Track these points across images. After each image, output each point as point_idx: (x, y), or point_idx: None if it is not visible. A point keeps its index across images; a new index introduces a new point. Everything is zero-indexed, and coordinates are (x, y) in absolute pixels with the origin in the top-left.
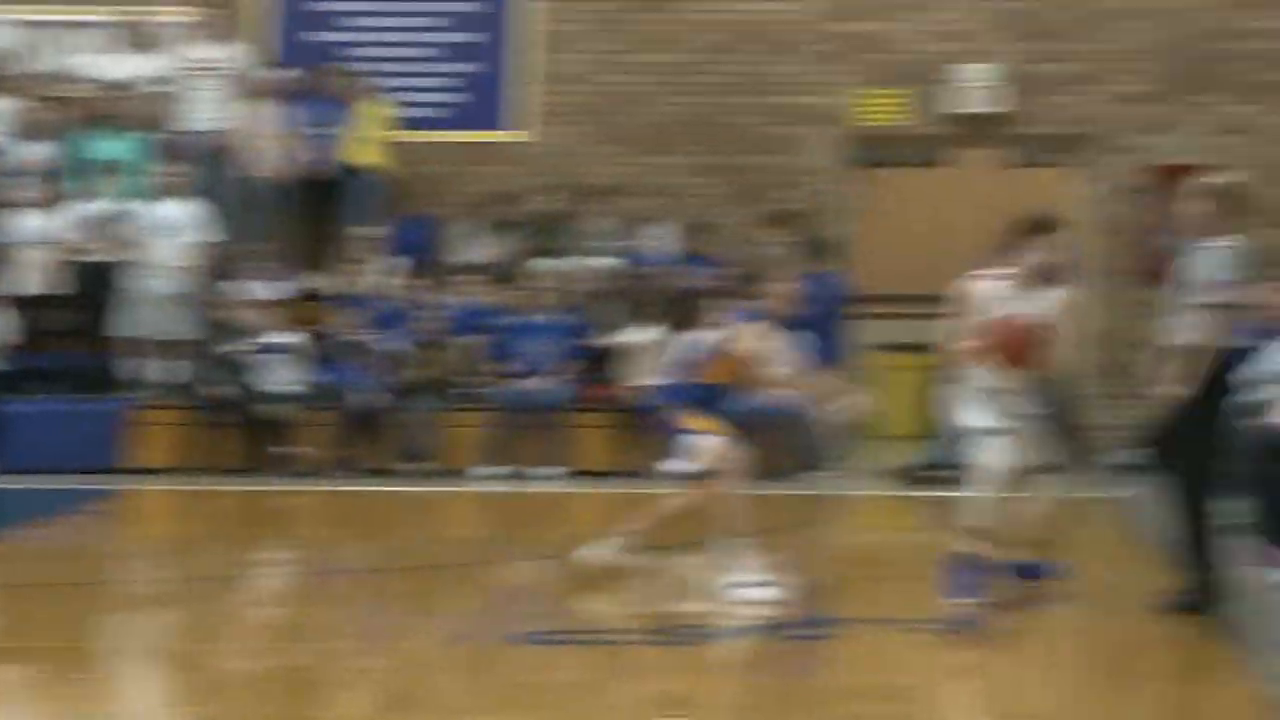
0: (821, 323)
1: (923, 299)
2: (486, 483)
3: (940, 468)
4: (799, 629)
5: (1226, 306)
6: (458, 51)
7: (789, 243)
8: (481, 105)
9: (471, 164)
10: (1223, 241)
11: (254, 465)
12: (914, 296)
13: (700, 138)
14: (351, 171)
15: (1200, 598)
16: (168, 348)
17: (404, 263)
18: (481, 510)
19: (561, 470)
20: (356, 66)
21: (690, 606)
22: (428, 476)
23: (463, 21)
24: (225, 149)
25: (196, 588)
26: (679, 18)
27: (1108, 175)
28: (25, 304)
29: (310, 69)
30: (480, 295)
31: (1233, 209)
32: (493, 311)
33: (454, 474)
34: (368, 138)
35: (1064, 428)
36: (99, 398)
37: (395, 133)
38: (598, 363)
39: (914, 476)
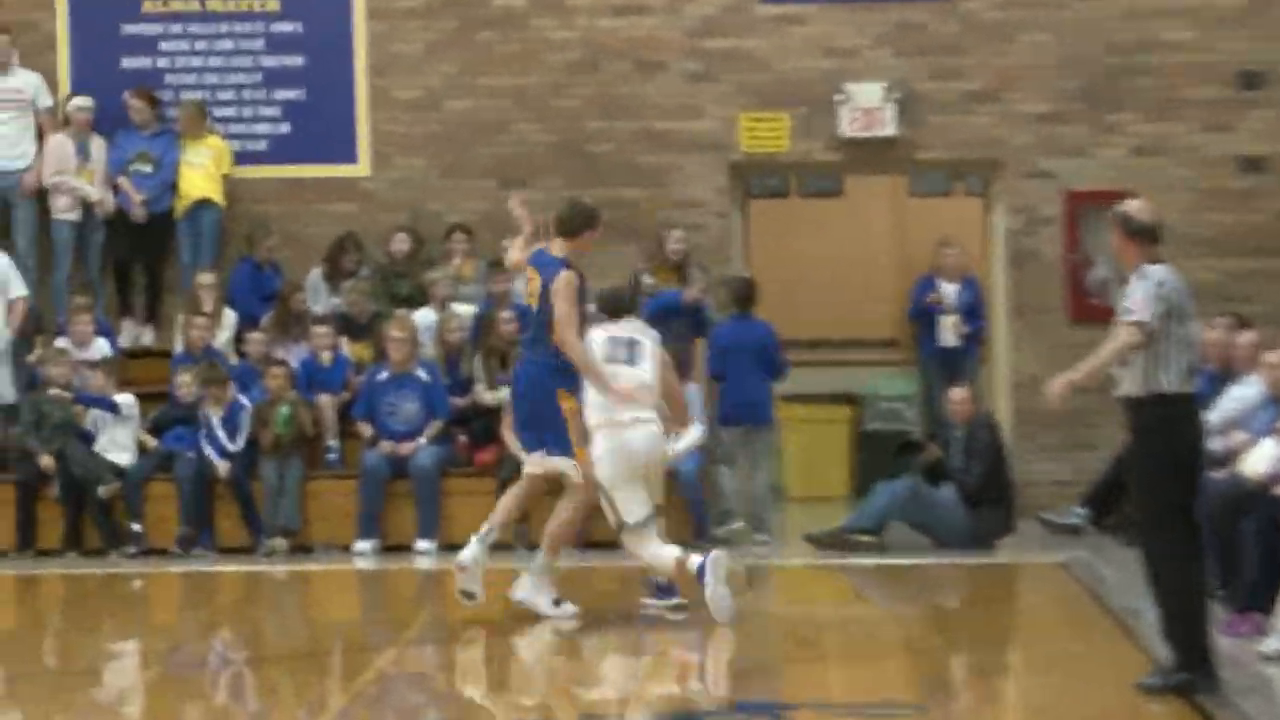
0: (748, 373)
1: (827, 344)
2: (356, 558)
3: (864, 532)
4: (735, 715)
5: (1177, 347)
6: (283, 77)
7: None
8: (310, 136)
9: (306, 202)
10: (1146, 274)
11: (79, 544)
12: (817, 341)
13: (563, 167)
14: (178, 211)
15: (1188, 675)
16: None
17: (239, 313)
18: (352, 589)
19: (435, 544)
20: (172, 94)
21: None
22: (290, 553)
23: (286, 44)
24: (27, 188)
25: (34, 686)
26: (528, 35)
27: (1016, 204)
28: None
29: (122, 97)
30: (334, 348)
31: (1147, 239)
32: (353, 366)
33: (319, 549)
34: (194, 173)
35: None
36: None
37: (225, 167)
38: (471, 422)
39: (834, 542)
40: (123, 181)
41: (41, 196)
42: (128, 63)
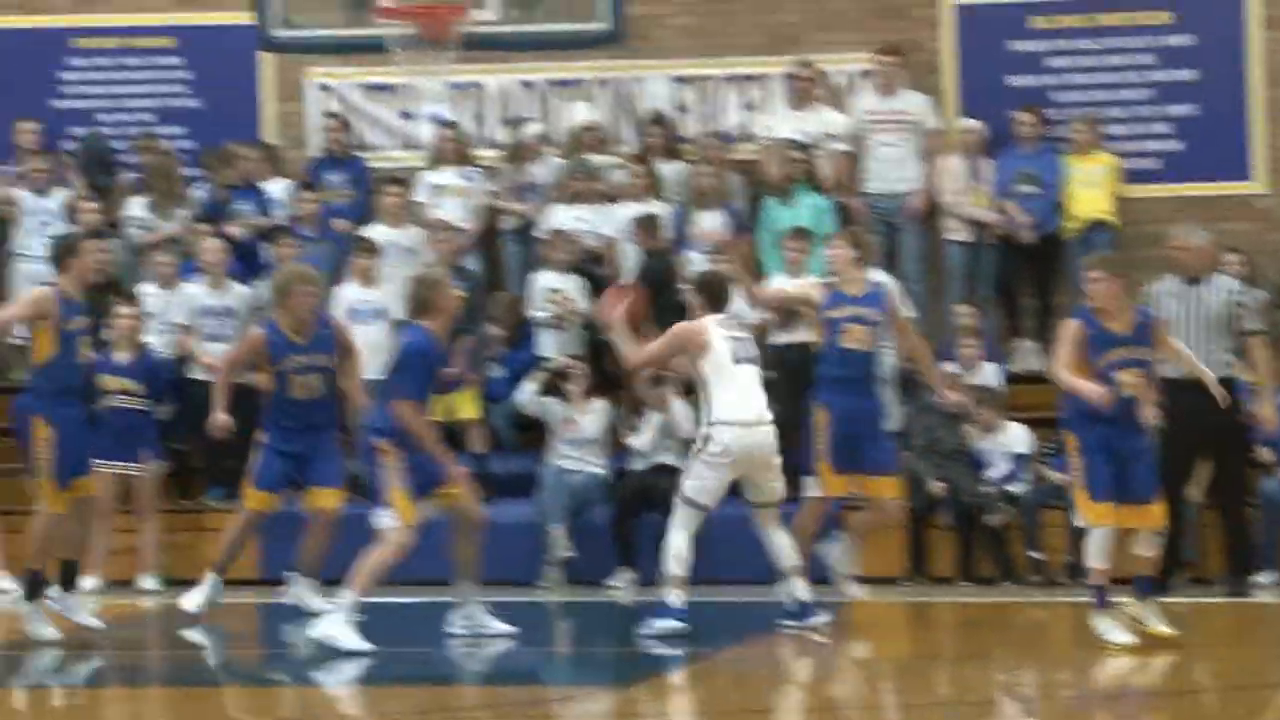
0: None
1: None
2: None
3: None
4: None
5: None
6: (1174, 92)
7: None
8: (1202, 152)
9: (1198, 222)
10: None
11: (971, 572)
12: None
13: None
14: (1068, 231)
15: None
16: None
17: None
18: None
19: None
20: (1058, 112)
21: None
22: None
23: (1177, 57)
24: (914, 211)
25: (927, 715)
26: None
27: None
28: None
29: (1008, 116)
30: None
31: None
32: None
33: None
34: (1087, 192)
35: None
36: None
37: (1115, 185)
38: None
39: None
40: (1008, 205)
41: (928, 219)
42: (1014, 81)
